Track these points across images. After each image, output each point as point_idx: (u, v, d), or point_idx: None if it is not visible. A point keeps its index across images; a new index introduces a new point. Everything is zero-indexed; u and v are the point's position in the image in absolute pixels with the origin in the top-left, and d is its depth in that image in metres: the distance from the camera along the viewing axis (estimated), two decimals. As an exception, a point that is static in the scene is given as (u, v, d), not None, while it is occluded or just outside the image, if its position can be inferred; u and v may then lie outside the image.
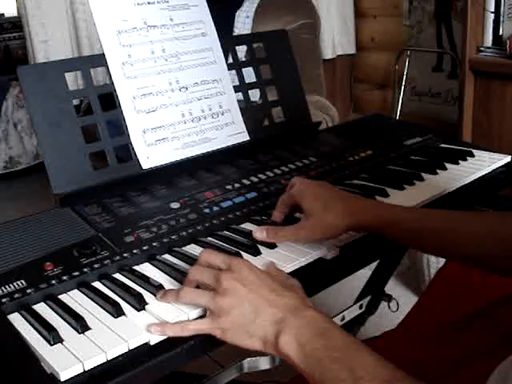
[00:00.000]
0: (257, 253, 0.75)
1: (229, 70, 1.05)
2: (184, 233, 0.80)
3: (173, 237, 0.79)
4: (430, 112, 2.62)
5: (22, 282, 0.67)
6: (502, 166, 1.07)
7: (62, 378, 0.55)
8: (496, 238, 0.70)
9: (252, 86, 1.10)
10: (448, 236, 0.74)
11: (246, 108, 1.07)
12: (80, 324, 0.61)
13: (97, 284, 0.70)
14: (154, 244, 0.77)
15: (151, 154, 0.93)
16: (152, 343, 0.60)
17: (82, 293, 0.69)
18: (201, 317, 0.64)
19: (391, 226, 0.75)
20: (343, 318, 1.29)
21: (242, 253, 0.75)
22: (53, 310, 0.65)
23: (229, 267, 0.64)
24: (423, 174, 1.00)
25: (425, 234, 0.75)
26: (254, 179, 0.95)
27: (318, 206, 0.76)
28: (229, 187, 0.92)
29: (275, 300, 0.61)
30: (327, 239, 0.77)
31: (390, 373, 0.54)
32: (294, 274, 0.72)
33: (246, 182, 0.94)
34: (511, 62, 1.88)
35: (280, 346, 0.58)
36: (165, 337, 0.61)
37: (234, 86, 1.05)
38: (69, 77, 0.89)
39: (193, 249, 0.78)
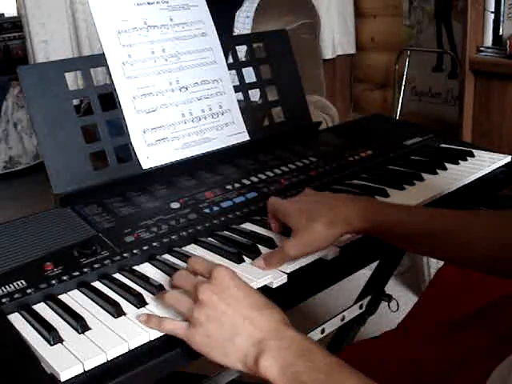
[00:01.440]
0: (257, 253, 0.75)
1: (229, 69, 1.05)
2: (184, 233, 0.80)
3: (173, 237, 0.79)
4: (430, 112, 2.62)
5: (22, 281, 0.67)
6: (502, 166, 1.07)
7: (62, 378, 0.55)
8: (497, 240, 0.69)
9: (252, 86, 1.10)
10: (446, 239, 0.72)
11: (246, 108, 1.07)
12: (80, 324, 0.61)
13: (97, 284, 0.70)
14: (154, 244, 0.77)
15: (151, 154, 0.93)
16: (151, 338, 0.60)
17: (82, 293, 0.69)
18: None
19: (387, 230, 0.73)
20: (343, 318, 1.29)
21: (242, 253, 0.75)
22: (53, 310, 0.65)
23: (210, 276, 0.61)
24: (423, 174, 1.00)
25: (421, 236, 0.73)
26: (254, 179, 0.95)
27: (303, 220, 0.73)
28: (229, 187, 0.92)
29: (255, 319, 0.58)
30: (320, 250, 0.74)
31: None
32: (294, 274, 0.72)
33: (246, 181, 0.94)
34: (511, 62, 1.88)
35: (261, 369, 0.56)
36: (162, 333, 0.61)
37: (234, 86, 1.05)
38: (69, 77, 0.89)
39: (193, 249, 0.78)
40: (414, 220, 0.74)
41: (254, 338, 0.57)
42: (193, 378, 1.16)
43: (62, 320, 0.63)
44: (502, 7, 1.95)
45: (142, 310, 0.64)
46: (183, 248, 0.78)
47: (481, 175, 1.03)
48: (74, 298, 0.68)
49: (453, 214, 0.75)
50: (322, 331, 1.24)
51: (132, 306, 0.65)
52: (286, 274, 0.71)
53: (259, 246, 0.77)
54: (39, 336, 0.60)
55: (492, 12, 1.96)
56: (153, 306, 0.65)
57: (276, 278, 0.70)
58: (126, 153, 0.93)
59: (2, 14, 3.73)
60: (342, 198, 0.78)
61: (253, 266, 0.72)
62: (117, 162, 0.91)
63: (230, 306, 0.59)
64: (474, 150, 1.12)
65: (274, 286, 0.70)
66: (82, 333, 0.61)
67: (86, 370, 0.56)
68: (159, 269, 0.73)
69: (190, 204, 0.86)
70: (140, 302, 0.65)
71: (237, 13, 2.15)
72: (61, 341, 0.59)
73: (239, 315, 0.59)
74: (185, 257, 0.75)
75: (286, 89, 1.13)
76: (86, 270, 0.71)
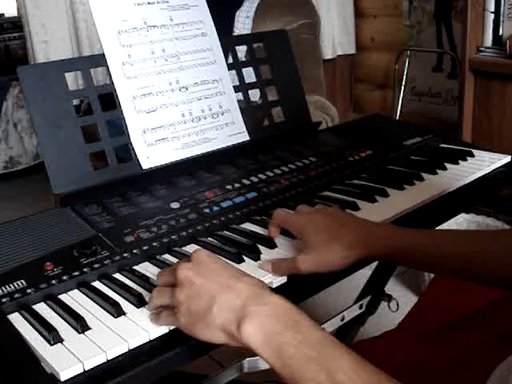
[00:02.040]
0: (257, 253, 0.75)
1: (229, 70, 1.05)
2: (184, 233, 0.80)
3: (173, 237, 0.79)
4: (430, 112, 2.63)
5: (22, 281, 0.67)
6: (502, 166, 1.07)
7: (62, 378, 0.55)
8: None
9: (252, 86, 1.10)
10: (471, 259, 0.70)
11: (246, 108, 1.07)
12: (80, 324, 0.61)
13: (97, 284, 0.71)
14: (154, 244, 0.77)
15: (151, 154, 0.93)
16: (151, 338, 0.60)
17: (82, 293, 0.69)
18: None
19: (406, 255, 0.72)
20: (343, 318, 1.29)
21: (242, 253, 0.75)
22: (53, 309, 0.65)
23: (188, 260, 0.61)
24: (423, 174, 1.00)
25: (443, 259, 0.72)
26: (254, 179, 0.95)
27: (321, 238, 0.71)
28: (229, 187, 0.92)
29: (233, 285, 0.57)
30: (333, 271, 0.72)
31: (374, 377, 0.49)
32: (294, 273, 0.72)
33: (246, 181, 0.94)
34: (511, 62, 1.88)
35: (243, 337, 0.53)
36: (162, 333, 0.61)
37: (234, 86, 1.05)
38: (69, 77, 0.89)
39: (193, 249, 0.78)
40: (436, 243, 0.72)
41: (234, 304, 0.55)
42: (193, 378, 1.16)
43: (62, 320, 0.63)
44: (502, 7, 1.95)
45: (142, 310, 0.64)
46: (183, 248, 0.78)
47: (481, 175, 1.03)
48: (74, 298, 0.68)
49: (475, 235, 0.75)
50: (322, 331, 1.24)
51: (132, 306, 0.65)
52: (286, 273, 0.71)
53: (259, 245, 0.77)
54: (39, 336, 0.60)
55: (492, 12, 1.96)
56: (153, 306, 0.65)
57: (276, 277, 0.70)
58: (126, 153, 0.93)
59: (2, 14, 3.74)
60: (361, 221, 0.76)
61: (259, 267, 0.72)
62: (117, 162, 0.91)
63: (208, 279, 0.58)
64: (473, 150, 1.11)
65: (273, 286, 0.70)
66: (82, 332, 0.61)
67: (86, 369, 0.56)
68: (159, 268, 0.73)
69: (190, 204, 0.86)
70: (140, 302, 0.65)
71: (237, 13, 2.15)
72: (61, 340, 0.59)
73: (217, 284, 0.57)
74: (185, 257, 0.75)
75: (285, 89, 1.13)
76: (85, 269, 0.71)
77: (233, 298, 0.56)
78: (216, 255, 0.63)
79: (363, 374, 0.49)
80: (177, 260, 0.75)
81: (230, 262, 0.73)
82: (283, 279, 0.71)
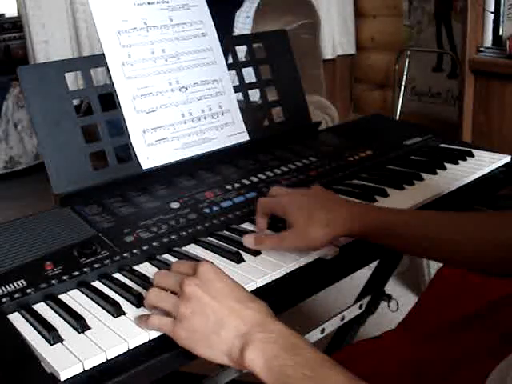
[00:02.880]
0: (256, 253, 0.75)
1: (229, 69, 1.05)
2: (184, 233, 0.80)
3: (173, 237, 0.79)
4: (430, 112, 2.62)
5: (22, 281, 0.67)
6: (502, 166, 1.07)
7: (62, 378, 0.55)
8: (491, 241, 0.69)
9: (252, 86, 1.10)
10: (441, 241, 0.72)
11: (246, 108, 1.07)
12: (80, 324, 0.61)
13: (97, 284, 0.71)
14: (154, 244, 0.77)
15: (151, 154, 0.93)
16: (151, 338, 0.60)
17: (82, 293, 0.69)
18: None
19: (382, 234, 0.74)
20: (343, 318, 1.29)
21: (242, 252, 0.75)
22: (53, 309, 0.65)
23: (194, 272, 0.61)
24: (423, 174, 1.00)
25: (416, 239, 0.73)
26: (254, 179, 0.95)
27: (301, 216, 0.74)
28: (229, 187, 0.92)
29: (240, 311, 0.58)
30: (312, 249, 0.75)
31: None
32: (294, 273, 0.72)
33: (245, 182, 0.94)
34: (511, 62, 1.88)
35: (246, 362, 0.56)
36: (162, 333, 0.61)
37: (234, 86, 1.05)
38: (69, 77, 0.89)
39: (193, 249, 0.78)
40: (409, 223, 0.74)
41: (240, 331, 0.57)
42: (193, 377, 1.16)
43: (61, 320, 0.63)
44: (502, 7, 1.95)
45: (142, 310, 0.64)
46: (183, 248, 0.78)
47: (480, 175, 1.03)
48: (74, 298, 0.68)
49: (447, 217, 0.76)
50: (322, 331, 1.24)
51: (132, 306, 0.65)
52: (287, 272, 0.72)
53: (259, 245, 0.77)
54: (39, 335, 0.60)
55: (492, 12, 1.96)
56: (153, 306, 0.65)
57: (275, 275, 0.70)
58: (126, 153, 0.93)
59: (3, 15, 3.73)
60: (341, 201, 0.80)
61: (243, 240, 0.75)
62: (117, 162, 0.91)
63: (216, 299, 0.59)
64: (473, 150, 1.12)
65: (272, 279, 0.70)
66: (82, 332, 0.61)
67: (86, 369, 0.56)
68: (159, 269, 0.73)
69: (190, 204, 0.86)
70: (140, 302, 0.65)
71: (237, 13, 2.15)
72: (61, 340, 0.59)
73: (225, 308, 0.59)
74: (185, 257, 0.75)
75: (285, 89, 1.13)
76: (85, 269, 0.71)
77: (240, 324, 0.58)
78: (222, 271, 0.62)
79: None
80: (177, 260, 0.75)
81: (230, 261, 0.74)
82: (281, 274, 0.71)
